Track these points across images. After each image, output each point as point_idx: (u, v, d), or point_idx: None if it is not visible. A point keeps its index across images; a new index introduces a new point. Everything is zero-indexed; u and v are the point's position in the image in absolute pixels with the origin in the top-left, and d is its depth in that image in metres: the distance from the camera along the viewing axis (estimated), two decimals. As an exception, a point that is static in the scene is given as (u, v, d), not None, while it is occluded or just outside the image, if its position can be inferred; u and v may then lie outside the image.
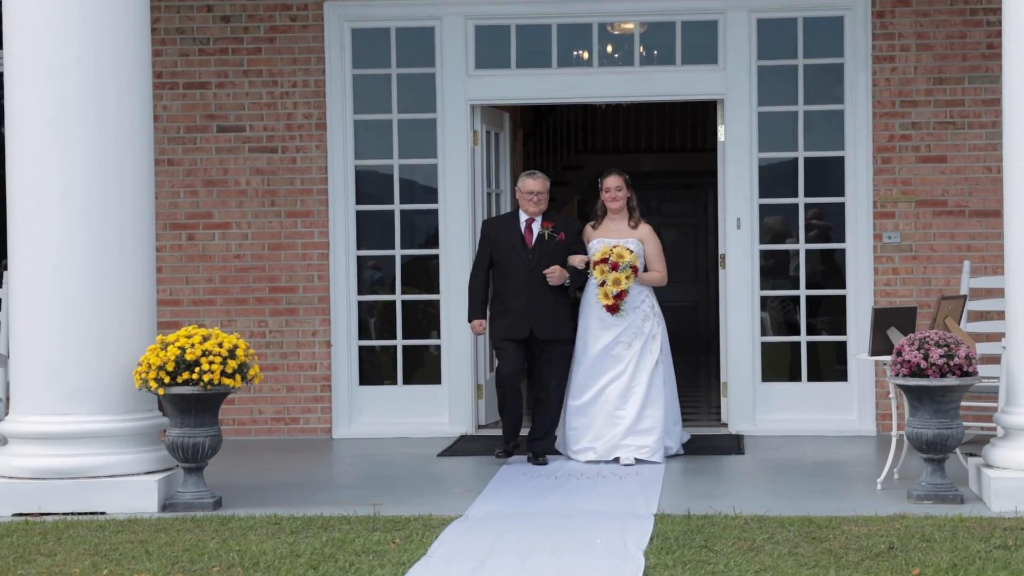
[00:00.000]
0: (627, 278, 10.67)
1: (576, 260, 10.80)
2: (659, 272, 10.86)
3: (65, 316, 9.17)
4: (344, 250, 12.40)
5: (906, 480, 9.65)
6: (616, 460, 10.69)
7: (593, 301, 10.82)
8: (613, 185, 10.93)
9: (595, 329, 10.83)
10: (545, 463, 10.67)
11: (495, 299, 10.92)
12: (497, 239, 10.89)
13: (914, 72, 12.10)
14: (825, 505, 9.00)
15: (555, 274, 10.71)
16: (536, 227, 10.85)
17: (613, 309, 10.72)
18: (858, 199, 12.18)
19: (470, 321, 11.07)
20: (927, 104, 12.10)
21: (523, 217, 10.91)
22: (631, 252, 10.73)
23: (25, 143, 9.23)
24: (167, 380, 8.93)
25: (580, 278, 10.84)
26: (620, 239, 10.82)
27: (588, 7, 12.37)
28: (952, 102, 12.06)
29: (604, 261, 10.70)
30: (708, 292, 19.85)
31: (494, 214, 12.62)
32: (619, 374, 10.80)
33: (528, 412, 11.28)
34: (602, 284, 10.70)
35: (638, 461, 10.63)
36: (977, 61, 12.05)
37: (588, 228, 10.98)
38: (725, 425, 12.34)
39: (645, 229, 10.92)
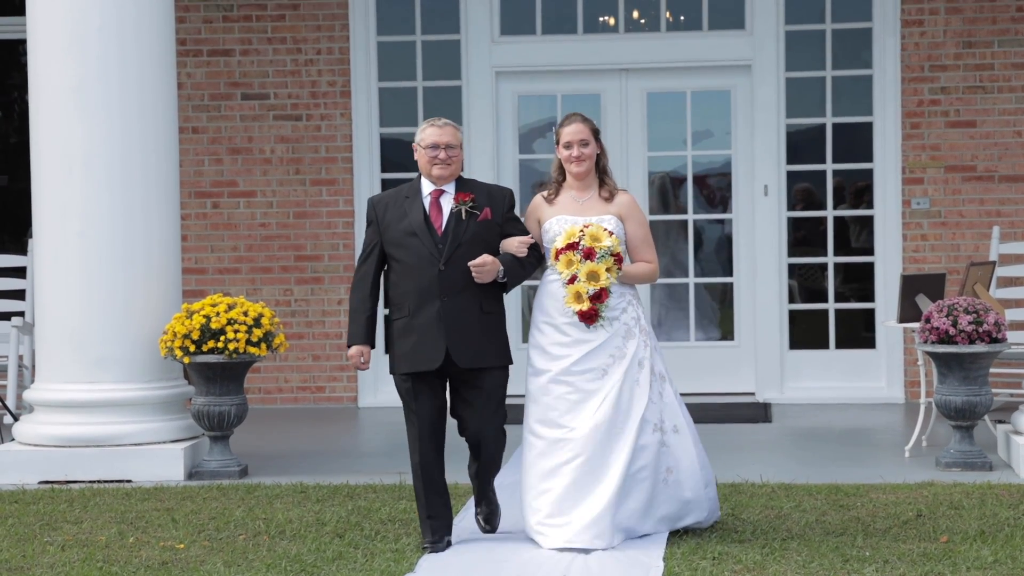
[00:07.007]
0: (608, 270, 7.16)
1: (513, 245, 7.25)
2: (649, 263, 7.38)
3: (90, 284, 9.17)
4: (369, 218, 12.35)
5: (934, 447, 9.60)
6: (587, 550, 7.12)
7: (548, 306, 7.32)
8: (576, 138, 7.29)
9: (552, 345, 7.30)
10: (494, 530, 7.63)
11: (393, 311, 7.31)
12: (390, 224, 7.29)
13: (943, 36, 12.00)
14: (853, 473, 8.96)
15: (486, 267, 7.13)
16: (447, 202, 7.26)
17: (590, 317, 7.19)
18: (887, 165, 12.10)
19: (348, 347, 7.41)
20: (956, 68, 11.99)
21: (427, 188, 7.31)
22: (609, 233, 7.21)
23: (48, 111, 9.23)
24: (192, 348, 8.92)
25: (522, 271, 7.30)
26: (590, 217, 7.32)
27: (614, -28, 12.32)
28: (982, 66, 11.96)
29: (572, 247, 7.18)
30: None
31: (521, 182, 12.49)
32: (590, 417, 7.24)
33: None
34: (571, 281, 7.18)
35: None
36: (1007, 24, 11.94)
37: (539, 201, 7.46)
38: (752, 393, 12.29)
39: (625, 201, 7.38)
